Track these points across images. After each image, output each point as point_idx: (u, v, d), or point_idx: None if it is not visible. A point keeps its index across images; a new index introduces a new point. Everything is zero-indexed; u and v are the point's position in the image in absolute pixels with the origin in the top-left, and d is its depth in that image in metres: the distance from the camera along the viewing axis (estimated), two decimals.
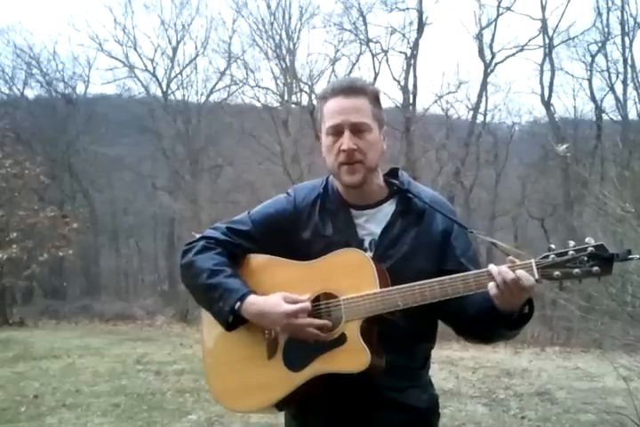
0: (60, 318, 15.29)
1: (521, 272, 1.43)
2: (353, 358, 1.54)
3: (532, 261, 1.45)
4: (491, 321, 1.55)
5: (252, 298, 1.62)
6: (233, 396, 1.72)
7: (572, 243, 1.44)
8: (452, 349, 9.06)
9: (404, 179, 1.73)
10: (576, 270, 1.42)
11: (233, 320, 1.64)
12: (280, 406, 1.68)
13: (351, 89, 1.65)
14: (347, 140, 1.62)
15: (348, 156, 1.63)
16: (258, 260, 1.75)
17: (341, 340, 1.57)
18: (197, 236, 1.79)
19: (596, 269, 1.40)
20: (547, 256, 1.45)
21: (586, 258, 1.41)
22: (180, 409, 5.66)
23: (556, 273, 1.43)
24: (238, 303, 1.61)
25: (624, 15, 16.52)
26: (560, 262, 1.43)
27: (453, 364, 7.75)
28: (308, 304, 1.58)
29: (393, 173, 1.75)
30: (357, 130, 1.63)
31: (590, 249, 1.41)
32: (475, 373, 7.30)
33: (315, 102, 17.60)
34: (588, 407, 5.44)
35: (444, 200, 1.76)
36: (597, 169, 14.71)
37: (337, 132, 1.64)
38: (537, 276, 1.44)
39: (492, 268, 1.47)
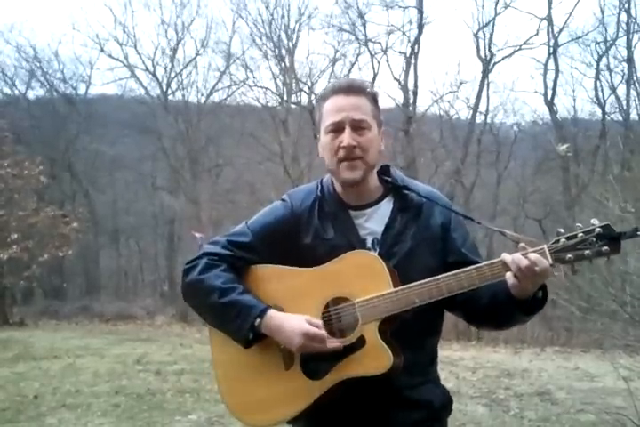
0: (60, 318, 15.32)
1: (534, 256, 1.45)
2: (375, 360, 1.52)
3: (545, 246, 1.47)
4: (507, 308, 1.55)
5: (272, 313, 1.60)
6: (252, 410, 1.67)
7: (579, 226, 1.47)
8: (452, 349, 9.06)
9: (397, 176, 1.73)
10: (587, 252, 1.44)
11: (253, 337, 1.61)
12: (301, 416, 1.62)
13: (351, 88, 1.66)
14: (347, 136, 1.62)
15: (348, 152, 1.62)
16: (263, 271, 1.71)
17: (360, 343, 1.55)
18: (196, 235, 1.79)
19: (605, 248, 1.43)
20: (557, 241, 1.47)
21: (594, 239, 1.44)
22: (180, 409, 5.66)
23: (569, 256, 1.45)
24: (258, 320, 1.59)
25: (629, 16, 16.50)
26: (571, 245, 1.45)
27: (453, 364, 7.74)
28: (325, 333, 1.55)
29: (385, 171, 1.75)
30: (358, 127, 1.63)
31: (598, 230, 1.44)
32: (475, 373, 7.30)
33: (314, 102, 17.55)
34: (588, 407, 5.43)
35: (440, 194, 1.77)
36: (599, 169, 14.73)
37: (337, 129, 1.64)
38: (550, 260, 1.46)
39: (506, 256, 1.48)
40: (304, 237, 1.69)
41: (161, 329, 13.40)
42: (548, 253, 1.46)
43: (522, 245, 1.50)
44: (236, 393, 1.70)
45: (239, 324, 1.60)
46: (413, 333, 1.63)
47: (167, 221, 20.80)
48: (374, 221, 1.69)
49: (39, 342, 10.27)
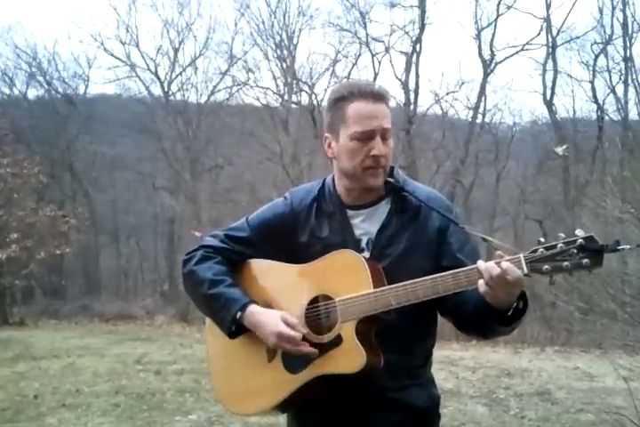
0: (60, 317, 15.32)
1: (507, 265, 1.41)
2: (349, 358, 1.54)
3: (521, 255, 1.43)
4: (485, 317, 1.53)
5: (252, 308, 1.64)
6: (236, 399, 1.75)
7: (561, 235, 1.42)
8: (452, 349, 9.06)
9: (400, 177, 1.73)
10: (565, 263, 1.39)
11: (236, 329, 1.66)
12: (282, 408, 1.70)
13: (380, 95, 1.64)
14: (380, 147, 1.62)
15: (377, 160, 1.63)
16: (256, 265, 1.77)
17: (338, 341, 1.57)
18: (196, 234, 1.82)
19: (586, 261, 1.38)
20: (535, 250, 1.42)
21: (575, 250, 1.38)
22: (180, 409, 5.66)
23: (546, 267, 1.40)
24: (240, 313, 1.64)
25: (626, 16, 16.52)
26: (549, 256, 1.40)
27: (453, 364, 7.74)
28: (300, 335, 1.58)
29: (389, 172, 1.74)
30: (385, 136, 1.64)
31: (580, 241, 1.38)
32: (475, 373, 7.30)
33: (315, 102, 17.64)
34: (588, 407, 5.43)
35: (440, 197, 1.75)
36: (598, 170, 14.72)
37: (368, 137, 1.62)
38: (526, 270, 1.41)
39: (480, 264, 1.46)
40: (300, 235, 1.72)
41: (161, 329, 13.40)
42: (523, 262, 1.42)
43: (498, 253, 1.47)
44: (223, 383, 1.78)
45: (223, 315, 1.66)
46: (400, 336, 1.63)
47: (167, 221, 20.79)
48: (371, 221, 1.69)
49: (39, 342, 10.27)
